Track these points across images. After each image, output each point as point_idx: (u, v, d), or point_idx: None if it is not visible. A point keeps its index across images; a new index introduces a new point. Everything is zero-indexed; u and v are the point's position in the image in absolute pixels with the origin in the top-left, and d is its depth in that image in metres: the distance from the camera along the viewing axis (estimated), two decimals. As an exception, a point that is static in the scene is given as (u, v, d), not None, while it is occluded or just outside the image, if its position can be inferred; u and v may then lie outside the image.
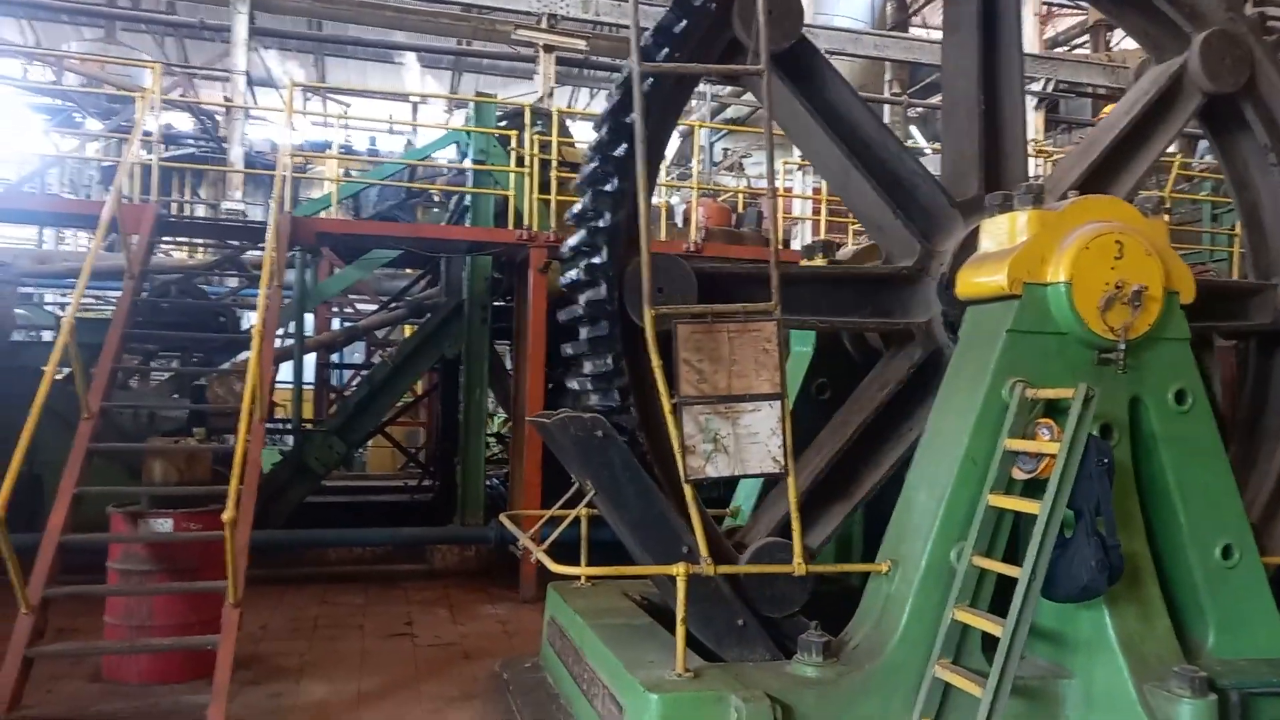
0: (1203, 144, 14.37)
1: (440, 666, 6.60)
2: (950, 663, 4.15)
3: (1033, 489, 4.25)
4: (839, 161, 5.01)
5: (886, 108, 14.90)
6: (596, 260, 4.60)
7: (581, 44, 12.19)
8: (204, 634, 5.58)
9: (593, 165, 4.78)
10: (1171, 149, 10.82)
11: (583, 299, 4.69)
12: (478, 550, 9.91)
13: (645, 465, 4.48)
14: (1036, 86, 14.22)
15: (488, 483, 10.70)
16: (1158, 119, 5.45)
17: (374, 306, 14.71)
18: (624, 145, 4.59)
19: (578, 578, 5.78)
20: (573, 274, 4.82)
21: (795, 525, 4.34)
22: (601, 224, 4.59)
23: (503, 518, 5.81)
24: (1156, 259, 4.45)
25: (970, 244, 4.86)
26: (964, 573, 4.19)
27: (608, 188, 4.63)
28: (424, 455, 14.48)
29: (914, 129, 16.66)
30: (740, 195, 12.08)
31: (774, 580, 4.49)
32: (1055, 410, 4.31)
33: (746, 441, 4.22)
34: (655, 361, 4.14)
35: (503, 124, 10.22)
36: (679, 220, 11.58)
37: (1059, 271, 4.36)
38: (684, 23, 4.65)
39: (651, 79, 4.49)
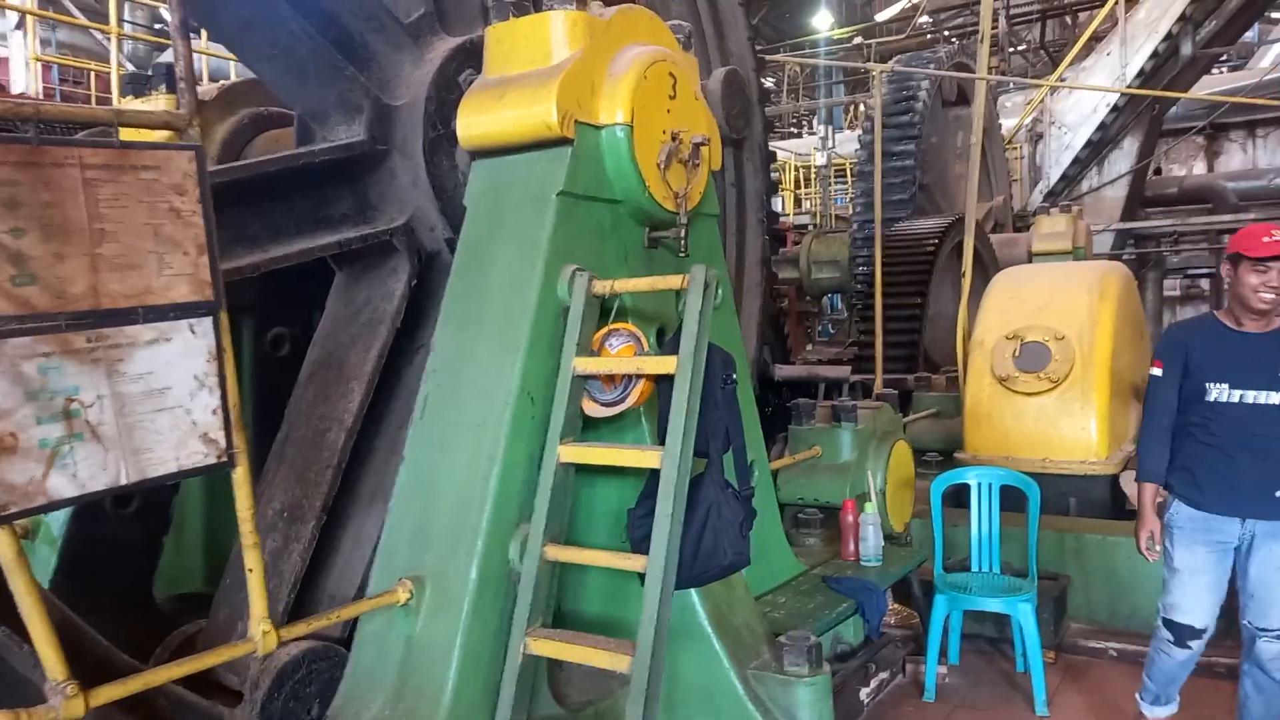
0: None
1: None
2: (527, 724, 2.58)
3: (600, 432, 2.87)
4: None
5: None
6: None
7: None
8: None
9: None
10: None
11: None
12: None
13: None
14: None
15: None
16: None
17: None
18: None
19: None
20: None
21: (253, 560, 2.21)
22: None
23: None
24: (702, 105, 3.36)
25: (445, 92, 3.16)
26: (535, 575, 2.62)
27: None
28: None
29: None
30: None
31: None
32: (622, 313, 2.96)
33: (146, 410, 1.94)
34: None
35: None
36: None
37: (615, 108, 2.95)
38: None
39: None
